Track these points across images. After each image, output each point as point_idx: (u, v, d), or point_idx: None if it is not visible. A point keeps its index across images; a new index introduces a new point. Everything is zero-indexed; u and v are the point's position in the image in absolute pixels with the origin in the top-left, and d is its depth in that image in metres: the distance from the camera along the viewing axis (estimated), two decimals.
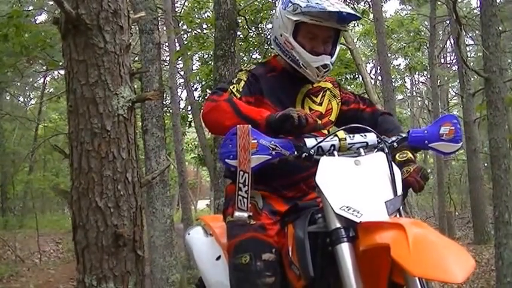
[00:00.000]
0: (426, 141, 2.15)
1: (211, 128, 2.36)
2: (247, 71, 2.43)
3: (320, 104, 2.49)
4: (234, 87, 2.33)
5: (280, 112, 2.07)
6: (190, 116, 17.06)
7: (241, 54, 10.01)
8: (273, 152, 1.95)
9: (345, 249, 1.80)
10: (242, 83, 2.34)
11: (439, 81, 21.44)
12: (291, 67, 2.40)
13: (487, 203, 13.79)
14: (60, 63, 7.64)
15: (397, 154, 2.18)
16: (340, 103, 2.56)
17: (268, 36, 11.05)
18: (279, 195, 2.33)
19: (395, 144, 2.14)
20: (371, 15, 15.05)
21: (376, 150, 2.07)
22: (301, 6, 2.26)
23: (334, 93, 2.56)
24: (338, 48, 2.44)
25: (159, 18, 8.91)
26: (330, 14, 2.26)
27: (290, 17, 2.30)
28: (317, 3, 2.23)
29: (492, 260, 9.47)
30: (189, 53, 13.79)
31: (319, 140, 2.06)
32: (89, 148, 2.53)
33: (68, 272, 12.73)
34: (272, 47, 2.54)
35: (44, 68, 13.52)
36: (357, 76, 14.27)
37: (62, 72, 15.38)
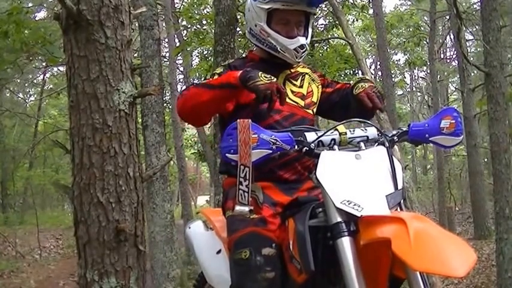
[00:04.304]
0: (427, 135, 2.15)
1: (190, 115, 2.38)
2: (225, 65, 2.52)
3: (301, 87, 2.54)
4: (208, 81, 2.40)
5: (251, 81, 2.14)
6: None
7: (240, 50, 9.98)
8: (274, 146, 1.95)
9: (345, 243, 1.81)
10: (215, 76, 2.40)
11: (439, 76, 21.44)
12: (269, 55, 2.47)
13: (487, 198, 13.77)
14: (60, 60, 7.62)
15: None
16: (320, 86, 2.62)
17: None
18: (276, 183, 2.33)
19: (395, 138, 2.15)
20: (371, 10, 15.04)
21: (376, 144, 2.08)
22: None
23: (313, 78, 2.62)
24: (310, 30, 2.51)
25: (158, 14, 8.90)
26: None
27: (262, 6, 2.39)
28: None
29: (493, 255, 9.48)
30: (188, 49, 13.76)
31: (319, 134, 2.07)
32: (91, 143, 2.54)
33: (68, 267, 12.75)
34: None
35: (44, 64, 13.49)
36: (356, 71, 14.26)
37: (62, 68, 15.40)
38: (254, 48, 2.62)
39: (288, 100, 2.34)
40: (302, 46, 2.41)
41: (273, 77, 2.18)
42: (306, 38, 2.46)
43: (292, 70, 2.55)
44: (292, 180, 2.38)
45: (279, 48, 2.40)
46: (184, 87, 18.80)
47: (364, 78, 2.44)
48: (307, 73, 2.62)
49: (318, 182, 1.91)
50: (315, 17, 2.57)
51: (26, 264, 13.25)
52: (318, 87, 2.60)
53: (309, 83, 2.57)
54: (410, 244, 1.54)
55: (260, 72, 2.17)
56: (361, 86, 2.32)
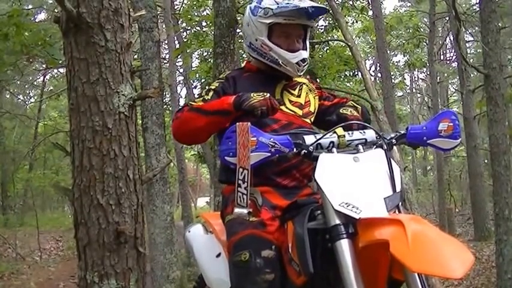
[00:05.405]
0: (425, 138, 2.16)
1: (185, 138, 2.49)
2: (222, 78, 2.54)
3: (298, 96, 2.56)
4: (202, 99, 2.41)
5: (245, 103, 2.18)
6: None
7: (240, 51, 9.99)
8: (272, 149, 1.97)
9: (344, 246, 1.82)
10: (211, 93, 2.43)
11: (438, 77, 21.42)
12: (268, 67, 2.49)
13: (487, 199, 13.74)
14: (60, 62, 7.62)
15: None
16: (317, 98, 2.66)
17: None
18: (275, 188, 2.35)
19: (394, 140, 2.16)
20: (370, 12, 15.05)
21: (374, 146, 2.09)
22: (272, 9, 2.37)
23: (310, 88, 2.65)
24: (308, 43, 2.54)
25: (158, 16, 8.90)
26: (300, 12, 2.36)
27: (263, 21, 2.41)
28: (287, 3, 2.36)
29: (493, 256, 9.47)
30: (188, 51, 13.78)
31: (318, 137, 2.08)
32: (90, 146, 2.55)
33: (68, 269, 12.73)
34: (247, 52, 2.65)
35: (44, 66, 13.48)
36: (356, 73, 14.27)
37: (62, 70, 15.40)
38: (251, 59, 2.64)
39: (285, 109, 2.42)
40: (304, 60, 2.45)
41: (265, 93, 2.22)
42: (306, 51, 2.49)
43: (290, 80, 2.57)
44: (291, 187, 2.39)
45: (280, 62, 2.43)
46: (183, 89, 18.93)
47: (355, 105, 2.57)
48: (304, 83, 2.64)
49: (317, 184, 1.92)
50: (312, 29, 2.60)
51: (26, 266, 13.23)
52: (314, 98, 2.64)
53: (306, 93, 2.60)
54: (409, 246, 1.55)
55: (252, 93, 2.21)
56: (350, 111, 2.45)
